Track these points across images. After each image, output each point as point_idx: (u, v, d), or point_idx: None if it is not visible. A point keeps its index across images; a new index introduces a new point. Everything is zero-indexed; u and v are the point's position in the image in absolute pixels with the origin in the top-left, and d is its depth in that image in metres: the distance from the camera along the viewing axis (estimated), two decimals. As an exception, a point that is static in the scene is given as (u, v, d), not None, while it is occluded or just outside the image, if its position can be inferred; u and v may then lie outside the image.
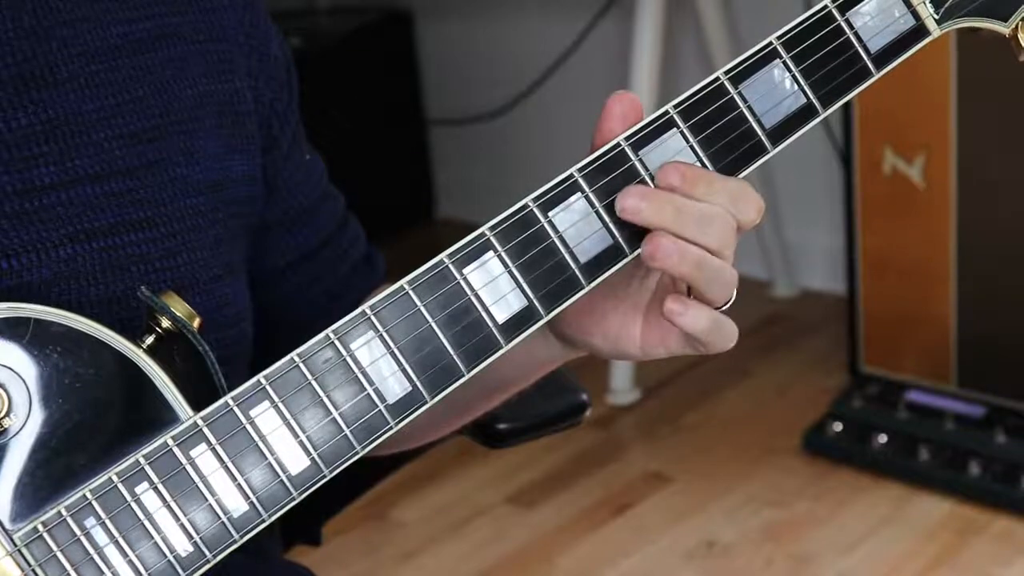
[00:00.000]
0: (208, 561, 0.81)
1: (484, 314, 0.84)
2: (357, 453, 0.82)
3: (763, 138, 0.88)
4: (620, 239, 0.86)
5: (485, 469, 2.64)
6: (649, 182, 0.86)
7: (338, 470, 0.82)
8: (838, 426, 2.57)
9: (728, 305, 0.89)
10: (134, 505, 0.80)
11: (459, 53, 3.65)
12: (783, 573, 2.29)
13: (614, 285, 0.89)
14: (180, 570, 0.80)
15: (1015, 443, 2.42)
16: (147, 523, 0.80)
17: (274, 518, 0.82)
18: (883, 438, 2.51)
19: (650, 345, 0.91)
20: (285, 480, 0.81)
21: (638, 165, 0.86)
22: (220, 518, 0.81)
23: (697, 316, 0.87)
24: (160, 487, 0.80)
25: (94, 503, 0.80)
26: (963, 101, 2.37)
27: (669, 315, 0.87)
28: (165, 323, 0.83)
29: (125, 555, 0.80)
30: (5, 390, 0.80)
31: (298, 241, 1.09)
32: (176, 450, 0.81)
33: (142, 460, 0.81)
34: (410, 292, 0.83)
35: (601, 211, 0.85)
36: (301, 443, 0.82)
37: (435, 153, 3.81)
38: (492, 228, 0.84)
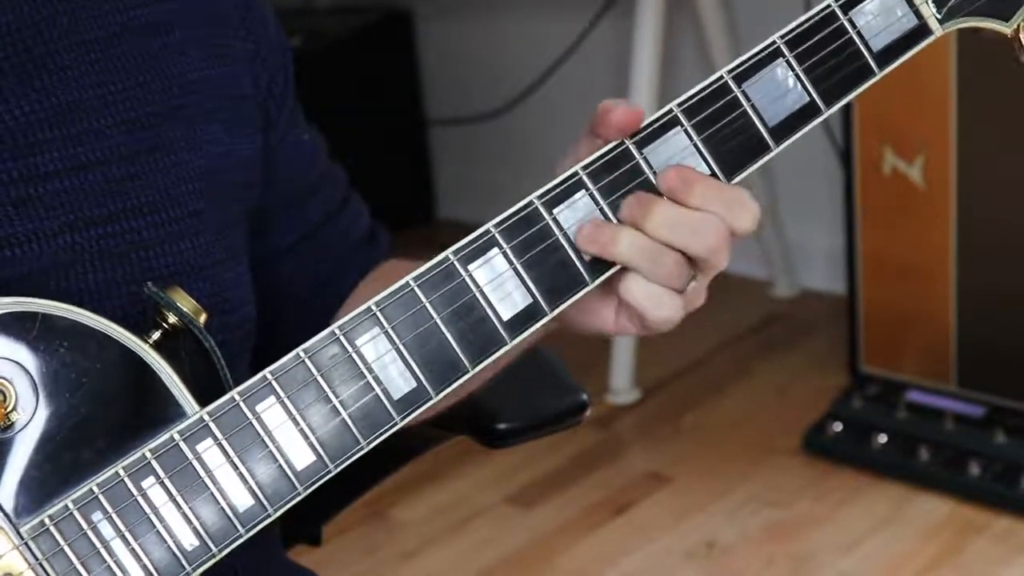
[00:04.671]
0: (214, 555, 0.81)
1: (489, 310, 0.85)
2: (362, 448, 0.83)
3: (766, 136, 0.88)
4: None
5: (485, 469, 2.64)
6: (653, 180, 0.87)
7: (343, 465, 0.83)
8: (838, 426, 2.57)
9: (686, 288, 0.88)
10: (140, 499, 0.81)
11: (459, 53, 3.65)
12: (783, 573, 2.29)
13: None
14: (186, 564, 0.81)
15: (1015, 443, 2.42)
16: (153, 517, 0.81)
17: (279, 513, 0.82)
18: (883, 438, 2.51)
19: (623, 326, 0.91)
20: (290, 475, 0.82)
21: (642, 163, 0.87)
22: (226, 513, 0.81)
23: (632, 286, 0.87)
24: (166, 481, 0.81)
25: (101, 497, 0.80)
26: (963, 101, 2.38)
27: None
28: (171, 319, 0.84)
29: (131, 549, 0.80)
30: (12, 384, 0.80)
31: (299, 221, 1.09)
32: (182, 445, 0.81)
33: (148, 455, 0.81)
34: (415, 288, 0.84)
35: (605, 208, 0.86)
36: (307, 438, 0.82)
37: (435, 153, 3.81)
38: (497, 225, 0.85)
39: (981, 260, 2.45)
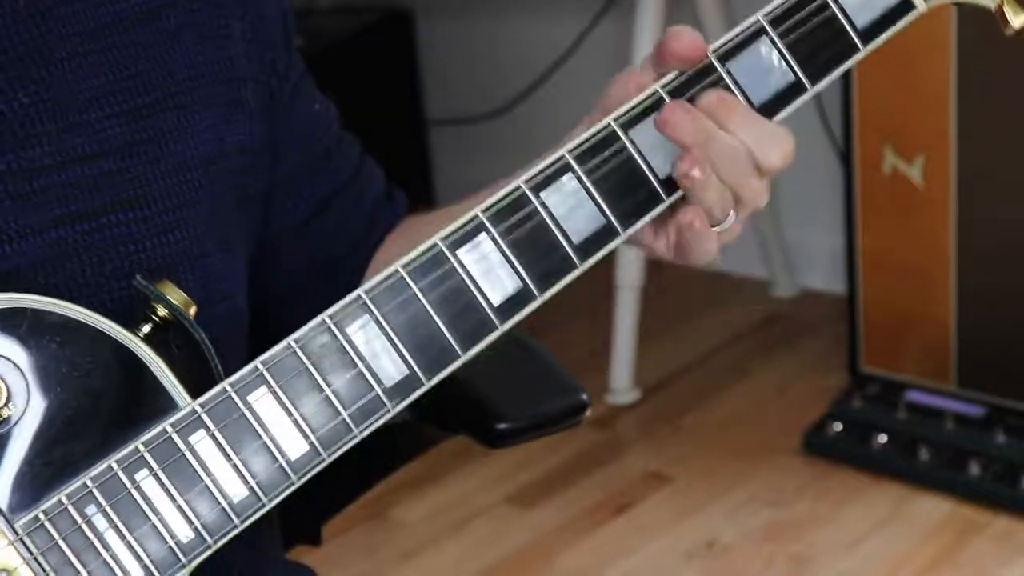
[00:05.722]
0: (209, 547, 0.81)
1: (479, 295, 0.85)
2: (355, 436, 0.83)
3: None
4: (612, 218, 0.87)
5: (485, 469, 2.63)
6: (640, 162, 0.87)
7: (337, 454, 0.83)
8: (838, 426, 2.57)
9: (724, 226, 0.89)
10: (134, 492, 0.80)
11: (459, 53, 3.65)
12: (783, 573, 2.29)
13: None
14: (181, 556, 0.81)
15: (1015, 443, 2.42)
16: (148, 510, 0.80)
17: (274, 503, 0.82)
18: (883, 438, 2.51)
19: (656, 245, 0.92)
20: (284, 465, 0.82)
21: (628, 145, 0.87)
22: (220, 503, 0.81)
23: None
24: (160, 474, 0.81)
25: (94, 491, 0.80)
26: (963, 101, 2.37)
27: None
28: (162, 311, 0.83)
29: (126, 542, 0.80)
30: (3, 380, 0.80)
31: (314, 191, 1.09)
32: (175, 437, 0.81)
33: (141, 447, 0.81)
34: (404, 275, 0.84)
35: (592, 191, 0.86)
36: (299, 427, 0.82)
37: (435, 153, 3.81)
38: (485, 210, 0.85)
39: (981, 260, 2.45)
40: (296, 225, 1.08)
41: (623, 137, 0.87)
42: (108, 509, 0.80)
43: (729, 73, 0.88)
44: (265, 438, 0.82)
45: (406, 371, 0.83)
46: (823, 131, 2.94)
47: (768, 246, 3.13)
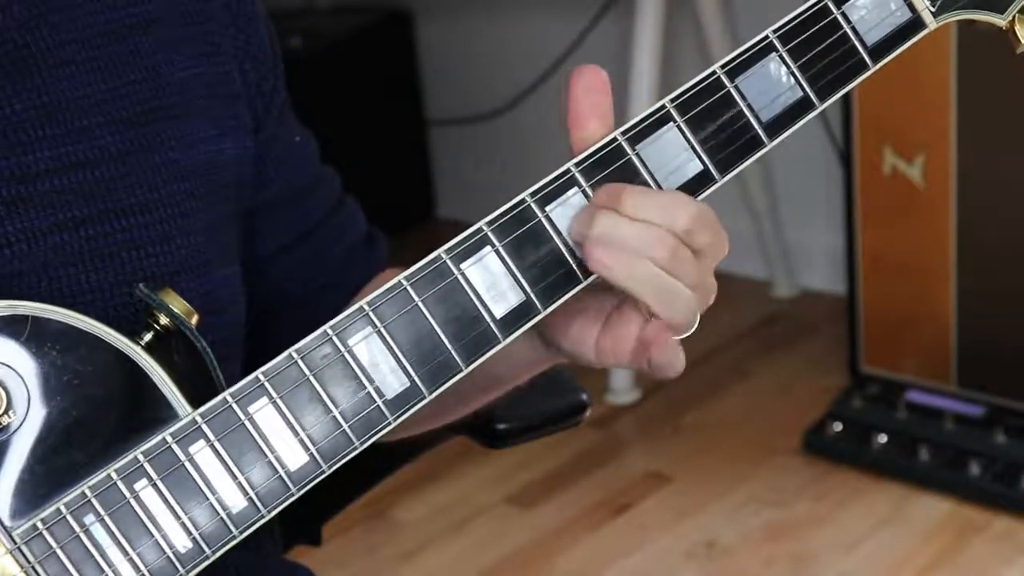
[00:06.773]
0: (207, 557, 0.81)
1: (482, 309, 0.84)
2: (356, 448, 0.83)
3: (760, 132, 0.88)
4: None
5: (485, 469, 2.64)
6: (647, 178, 0.86)
7: (337, 465, 0.82)
8: (838, 426, 2.57)
9: (690, 331, 0.88)
10: (133, 502, 0.80)
11: (459, 53, 3.65)
12: (783, 573, 2.29)
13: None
14: (179, 566, 0.80)
15: (1015, 443, 2.42)
16: (146, 520, 0.80)
17: (273, 514, 0.82)
18: (883, 438, 2.51)
19: (603, 353, 0.90)
20: (284, 476, 0.82)
21: (635, 159, 0.86)
22: (219, 514, 0.81)
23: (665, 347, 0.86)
24: (159, 484, 0.80)
25: (93, 500, 0.80)
26: (963, 101, 2.37)
27: (645, 338, 0.86)
28: (163, 320, 0.83)
29: (125, 552, 0.80)
30: (4, 387, 0.80)
31: (292, 222, 1.08)
32: (175, 447, 0.81)
33: (141, 457, 0.81)
34: (408, 288, 0.83)
35: None
36: (300, 439, 0.82)
37: (435, 153, 3.81)
38: (489, 223, 0.85)
39: (981, 260, 2.45)
40: (269, 255, 1.08)
41: (629, 151, 0.86)
42: (107, 518, 0.80)
43: (738, 89, 0.87)
44: (265, 449, 0.81)
45: (407, 383, 0.83)
46: (823, 131, 2.94)
47: (768, 246, 3.13)
